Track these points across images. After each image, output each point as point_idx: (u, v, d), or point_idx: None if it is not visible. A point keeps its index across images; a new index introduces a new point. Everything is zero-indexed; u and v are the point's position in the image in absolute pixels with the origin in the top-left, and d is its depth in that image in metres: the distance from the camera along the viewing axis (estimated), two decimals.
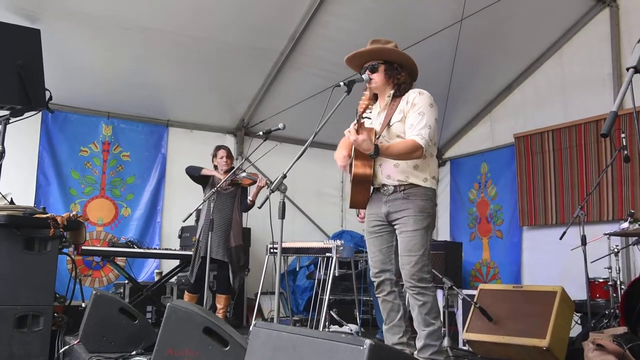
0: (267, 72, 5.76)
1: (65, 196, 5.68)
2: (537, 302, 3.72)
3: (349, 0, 4.92)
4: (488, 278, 6.33)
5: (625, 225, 3.87)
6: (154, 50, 5.22)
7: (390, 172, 2.98)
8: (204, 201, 4.64)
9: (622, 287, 4.11)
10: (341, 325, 4.92)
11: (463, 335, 4.05)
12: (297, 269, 6.03)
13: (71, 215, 3.60)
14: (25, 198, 5.17)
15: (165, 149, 6.26)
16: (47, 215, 3.46)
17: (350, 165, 3.03)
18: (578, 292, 4.27)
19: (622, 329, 3.29)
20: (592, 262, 4.13)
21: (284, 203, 2.81)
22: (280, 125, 3.56)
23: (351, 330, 4.77)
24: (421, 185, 2.95)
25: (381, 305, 3.09)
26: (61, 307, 3.84)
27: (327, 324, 4.65)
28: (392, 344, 2.98)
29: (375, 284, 3.09)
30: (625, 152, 3.89)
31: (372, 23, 4.96)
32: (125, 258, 5.39)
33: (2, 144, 3.42)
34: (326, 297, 4.40)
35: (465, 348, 4.15)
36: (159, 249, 5.64)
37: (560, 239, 4.08)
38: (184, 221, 4.53)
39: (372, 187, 3.09)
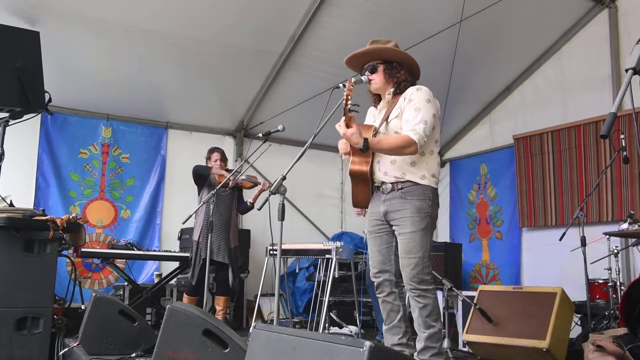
0: (267, 74, 5.76)
1: (64, 198, 5.67)
2: (537, 303, 3.71)
3: (348, 1, 4.93)
4: (488, 279, 6.33)
5: (624, 226, 3.86)
6: (153, 53, 5.22)
7: (387, 169, 2.95)
8: (204, 202, 4.64)
9: (622, 288, 4.12)
10: (341, 327, 4.92)
11: (463, 336, 4.04)
12: (297, 271, 6.04)
13: (71, 217, 3.61)
14: (25, 200, 5.17)
15: (165, 150, 6.25)
16: (47, 217, 3.46)
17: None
18: (578, 293, 4.26)
19: (622, 330, 3.29)
20: (591, 263, 4.13)
21: (283, 205, 2.81)
22: (280, 127, 3.56)
23: (351, 331, 4.78)
24: (418, 183, 2.89)
25: (381, 305, 3.08)
26: (61, 310, 3.84)
27: (327, 325, 4.65)
28: (391, 344, 2.97)
29: (375, 284, 3.07)
30: (625, 153, 3.90)
31: (371, 24, 4.96)
32: (124, 260, 5.40)
33: (2, 146, 3.42)
34: (326, 299, 4.39)
35: (465, 349, 4.15)
36: (159, 251, 5.64)
37: (560, 240, 4.08)
38: (183, 223, 4.52)
39: (372, 185, 3.05)
